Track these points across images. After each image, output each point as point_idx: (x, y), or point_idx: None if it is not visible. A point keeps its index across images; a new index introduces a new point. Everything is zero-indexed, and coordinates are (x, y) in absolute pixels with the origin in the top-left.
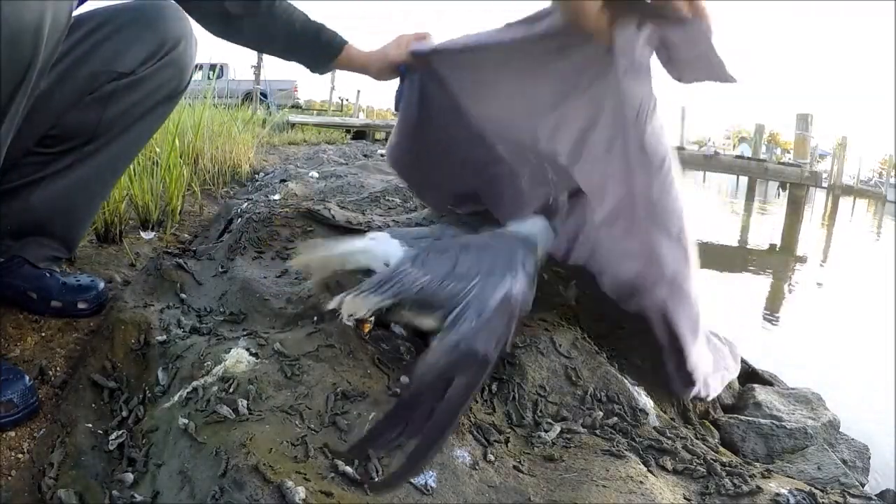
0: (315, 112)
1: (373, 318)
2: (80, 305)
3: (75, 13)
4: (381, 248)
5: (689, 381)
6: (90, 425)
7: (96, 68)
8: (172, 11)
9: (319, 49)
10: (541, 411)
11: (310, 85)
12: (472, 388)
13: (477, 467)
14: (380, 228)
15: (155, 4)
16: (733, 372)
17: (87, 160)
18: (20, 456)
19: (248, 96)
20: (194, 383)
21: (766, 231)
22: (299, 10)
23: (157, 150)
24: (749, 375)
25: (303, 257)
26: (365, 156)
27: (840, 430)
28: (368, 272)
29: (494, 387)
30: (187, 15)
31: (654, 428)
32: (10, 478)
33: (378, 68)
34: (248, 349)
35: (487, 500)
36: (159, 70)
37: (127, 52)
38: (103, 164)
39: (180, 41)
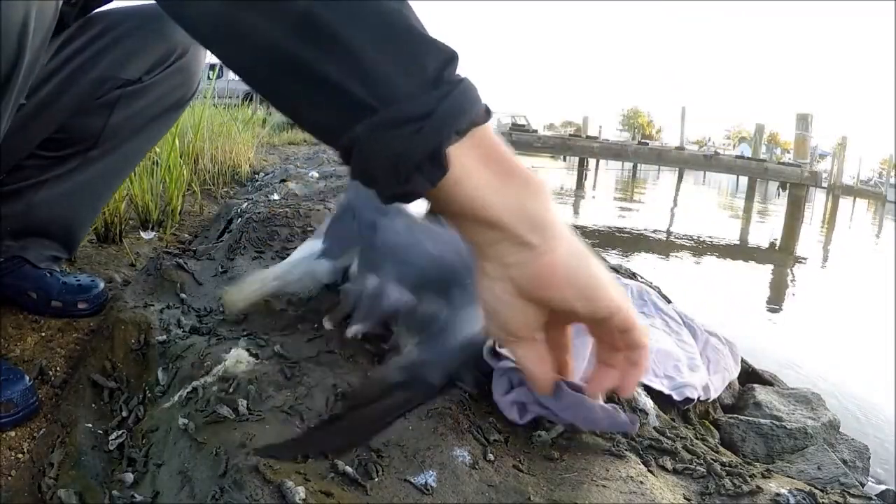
0: None
1: None
2: (80, 305)
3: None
4: (304, 261)
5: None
6: (90, 425)
7: (102, 75)
8: None
9: None
10: None
11: None
12: (410, 404)
13: (477, 467)
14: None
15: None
16: (733, 372)
17: (90, 164)
18: (20, 456)
19: (248, 96)
20: (194, 383)
21: (765, 231)
22: None
23: (157, 150)
24: (749, 375)
25: (231, 295)
26: None
27: (840, 430)
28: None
29: None
30: None
31: (654, 428)
32: (10, 478)
33: None
34: (248, 349)
35: (487, 499)
36: (166, 78)
37: (133, 60)
38: (107, 169)
39: (189, 49)
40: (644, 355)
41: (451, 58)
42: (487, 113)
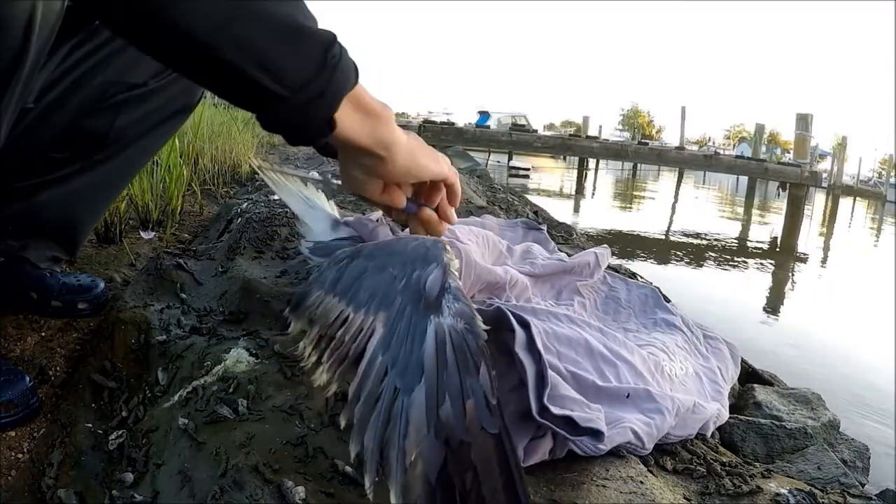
0: None
1: None
2: (80, 305)
3: None
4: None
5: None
6: (90, 425)
7: (108, 79)
8: None
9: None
10: None
11: None
12: None
13: None
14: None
15: None
16: (733, 373)
17: (95, 167)
18: (20, 456)
19: None
20: (194, 383)
21: (765, 231)
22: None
23: None
24: (749, 375)
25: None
26: None
27: (840, 430)
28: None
29: None
30: None
31: None
32: (10, 478)
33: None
34: (248, 349)
35: None
36: (172, 82)
37: (139, 64)
38: (111, 172)
39: None
40: (455, 181)
41: (330, 43)
42: (357, 75)
